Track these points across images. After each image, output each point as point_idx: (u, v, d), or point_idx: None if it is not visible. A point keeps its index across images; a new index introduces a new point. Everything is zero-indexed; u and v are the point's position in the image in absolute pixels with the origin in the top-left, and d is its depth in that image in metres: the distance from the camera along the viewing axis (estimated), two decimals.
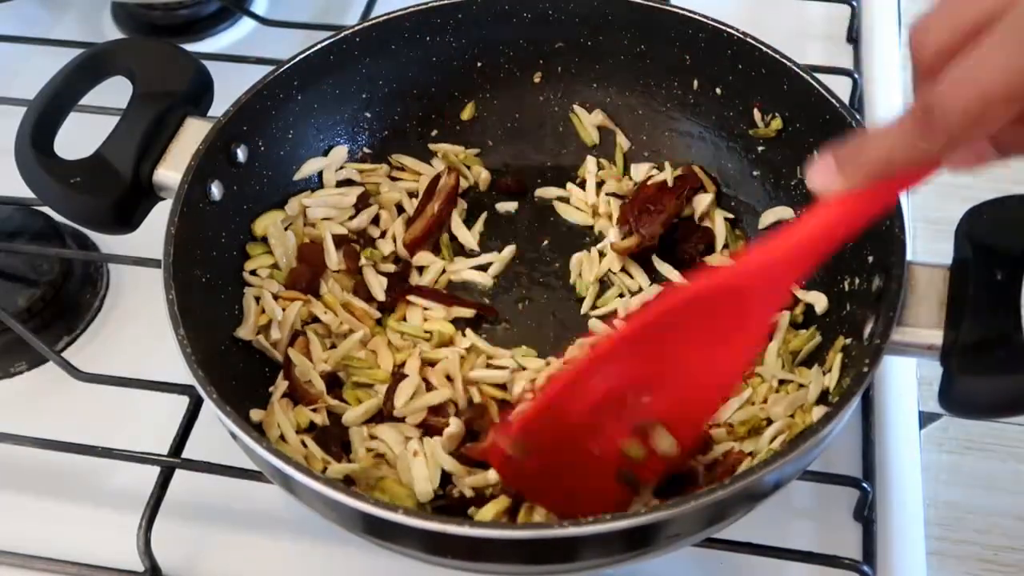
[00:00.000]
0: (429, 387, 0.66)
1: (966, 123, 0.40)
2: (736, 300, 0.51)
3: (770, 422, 0.62)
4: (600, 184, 0.76)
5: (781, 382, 0.65)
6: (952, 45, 0.40)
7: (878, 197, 0.46)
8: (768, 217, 0.72)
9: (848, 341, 0.62)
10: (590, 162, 0.78)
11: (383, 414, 0.65)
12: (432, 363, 0.67)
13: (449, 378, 0.66)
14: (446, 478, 0.61)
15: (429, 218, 0.73)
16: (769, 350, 0.66)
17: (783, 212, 0.72)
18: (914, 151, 0.43)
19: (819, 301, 0.67)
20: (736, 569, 0.64)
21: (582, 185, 0.77)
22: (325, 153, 0.74)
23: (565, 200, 0.77)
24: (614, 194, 0.76)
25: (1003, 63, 0.39)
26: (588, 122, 0.78)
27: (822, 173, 0.46)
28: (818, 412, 0.60)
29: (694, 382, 0.54)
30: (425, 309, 0.70)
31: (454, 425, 0.62)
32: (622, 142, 0.78)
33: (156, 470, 0.65)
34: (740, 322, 0.52)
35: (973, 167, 0.44)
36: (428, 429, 0.64)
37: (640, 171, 0.77)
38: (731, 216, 0.74)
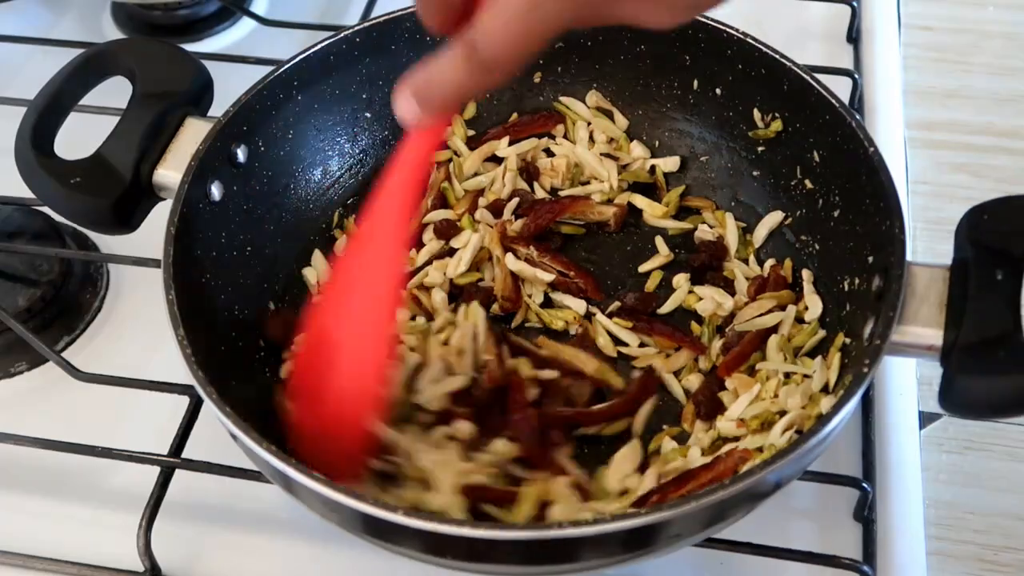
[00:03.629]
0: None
1: (508, 56, 0.47)
2: (376, 244, 0.58)
3: (782, 415, 0.62)
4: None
5: (787, 376, 0.65)
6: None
7: (445, 121, 0.54)
8: (762, 229, 0.73)
9: (848, 340, 0.63)
10: (577, 106, 0.78)
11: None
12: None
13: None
14: None
15: (422, 214, 0.74)
16: (770, 344, 0.66)
17: (775, 218, 0.72)
18: (474, 83, 0.48)
19: (814, 306, 0.67)
20: (736, 569, 0.64)
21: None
22: (325, 153, 0.74)
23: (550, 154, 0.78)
24: (608, 155, 0.76)
25: (522, 7, 0.45)
26: (579, 109, 0.78)
27: (405, 106, 0.51)
28: (826, 402, 0.60)
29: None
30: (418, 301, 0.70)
31: (465, 429, 0.62)
32: (620, 121, 0.78)
33: (156, 470, 0.65)
34: (389, 248, 0.59)
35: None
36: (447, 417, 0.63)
37: (636, 150, 0.77)
38: (743, 224, 0.74)
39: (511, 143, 0.77)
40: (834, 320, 0.66)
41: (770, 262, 0.72)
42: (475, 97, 0.49)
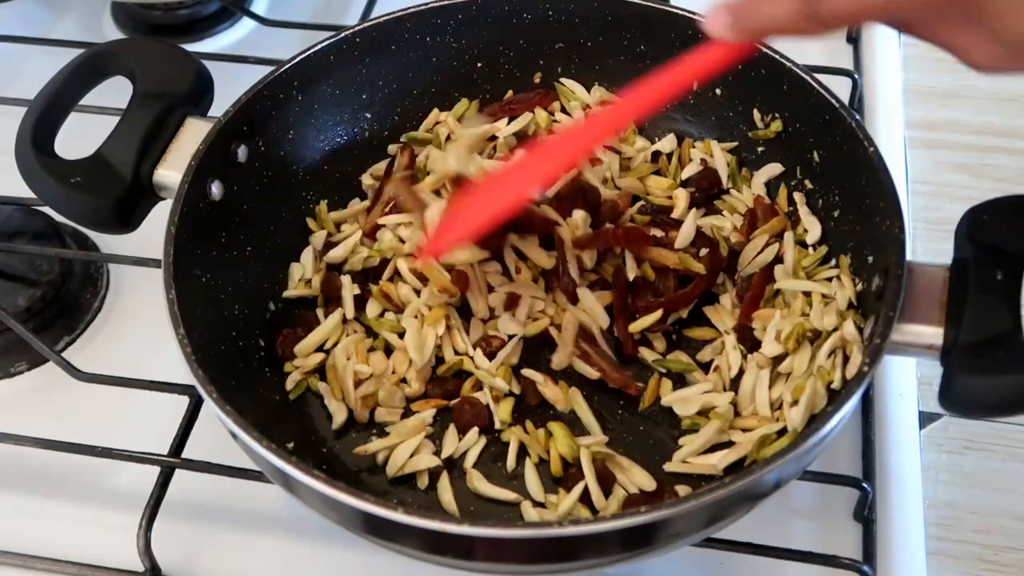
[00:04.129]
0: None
1: (843, 20, 0.49)
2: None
3: (816, 335, 0.64)
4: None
5: (807, 295, 0.66)
6: None
7: (750, 48, 0.55)
8: (760, 177, 0.73)
9: (849, 257, 0.65)
10: (578, 89, 0.78)
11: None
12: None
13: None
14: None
15: (386, 202, 0.73)
16: (777, 271, 0.68)
17: (774, 169, 0.73)
18: (794, 28, 0.50)
19: (812, 228, 0.69)
20: (736, 569, 0.64)
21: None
22: (324, 153, 0.74)
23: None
24: (610, 148, 0.76)
25: None
26: (580, 93, 0.78)
27: (717, 23, 0.53)
28: (850, 323, 0.61)
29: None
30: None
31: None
32: None
33: (156, 470, 0.65)
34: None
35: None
36: None
37: (637, 143, 0.77)
38: (731, 146, 0.75)
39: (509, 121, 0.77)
40: (835, 242, 0.67)
41: (758, 191, 0.72)
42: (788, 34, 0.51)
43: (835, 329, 0.63)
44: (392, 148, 0.77)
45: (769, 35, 0.52)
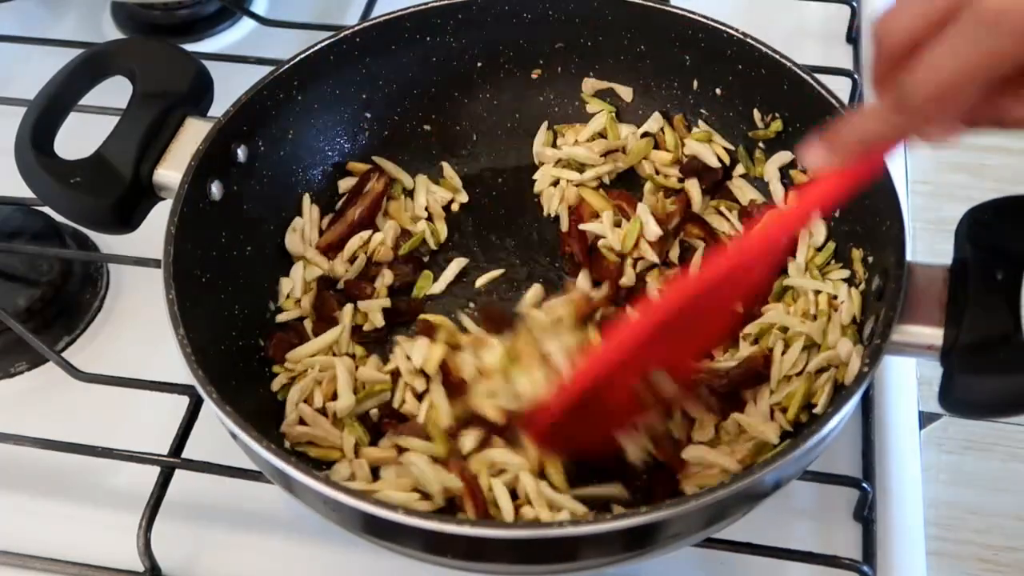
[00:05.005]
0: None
1: (934, 105, 0.45)
2: (742, 275, 0.57)
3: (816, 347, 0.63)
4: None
5: (816, 294, 0.66)
6: (915, 34, 0.45)
7: (863, 167, 0.52)
8: (772, 165, 0.73)
9: (861, 251, 0.65)
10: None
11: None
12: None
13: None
14: None
15: (348, 224, 0.72)
16: (790, 267, 0.68)
17: (784, 157, 0.72)
18: (889, 129, 0.48)
19: (817, 232, 0.69)
20: (736, 569, 0.64)
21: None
22: (325, 153, 0.74)
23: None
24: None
25: (965, 52, 0.44)
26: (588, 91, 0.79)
27: (814, 153, 0.51)
28: (845, 343, 0.61)
29: (694, 340, 0.62)
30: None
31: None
32: (624, 92, 0.78)
33: (156, 470, 0.65)
34: (741, 290, 0.60)
35: (944, 139, 0.49)
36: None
37: (622, 131, 0.77)
38: (731, 147, 0.75)
39: None
40: (835, 242, 0.67)
41: (771, 177, 0.72)
42: (897, 143, 0.49)
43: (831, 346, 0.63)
44: (356, 166, 0.75)
45: (868, 147, 0.49)
